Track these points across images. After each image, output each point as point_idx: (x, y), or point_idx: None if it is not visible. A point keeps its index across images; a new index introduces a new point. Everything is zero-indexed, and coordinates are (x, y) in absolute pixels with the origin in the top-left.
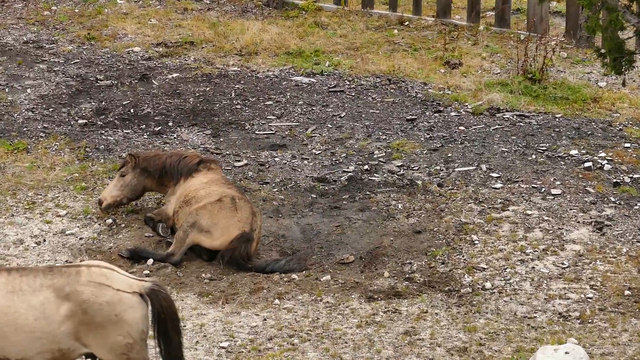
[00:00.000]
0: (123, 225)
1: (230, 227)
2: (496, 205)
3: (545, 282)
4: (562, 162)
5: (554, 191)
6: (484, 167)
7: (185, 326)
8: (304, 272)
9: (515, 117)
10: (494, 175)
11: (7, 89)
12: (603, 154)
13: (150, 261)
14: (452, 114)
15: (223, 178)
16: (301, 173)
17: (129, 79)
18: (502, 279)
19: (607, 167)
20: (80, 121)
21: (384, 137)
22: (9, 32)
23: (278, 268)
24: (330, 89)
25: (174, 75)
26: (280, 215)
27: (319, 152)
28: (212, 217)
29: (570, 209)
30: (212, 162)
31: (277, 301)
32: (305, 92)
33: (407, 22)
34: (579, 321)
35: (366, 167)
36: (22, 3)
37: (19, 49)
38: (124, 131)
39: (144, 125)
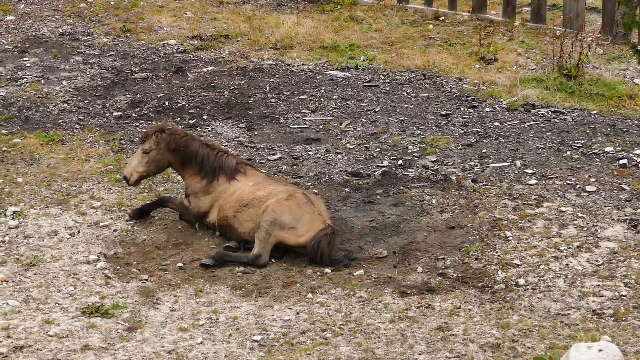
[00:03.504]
0: (157, 217)
1: (315, 221)
2: (530, 201)
3: (579, 279)
4: (597, 159)
5: (588, 188)
6: (518, 163)
7: (218, 319)
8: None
9: (550, 113)
10: (529, 171)
11: (42, 81)
12: (638, 151)
13: (187, 257)
14: (487, 109)
15: (268, 177)
16: (335, 167)
17: (164, 71)
18: (536, 275)
19: None
20: (115, 113)
21: (418, 132)
22: (45, 24)
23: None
24: (365, 84)
25: (209, 68)
26: None
27: (353, 146)
28: (292, 213)
29: (605, 206)
30: (245, 162)
31: (310, 295)
32: (340, 87)
33: (443, 17)
34: (612, 319)
35: (400, 162)
36: None
37: (55, 40)
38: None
39: (179, 118)
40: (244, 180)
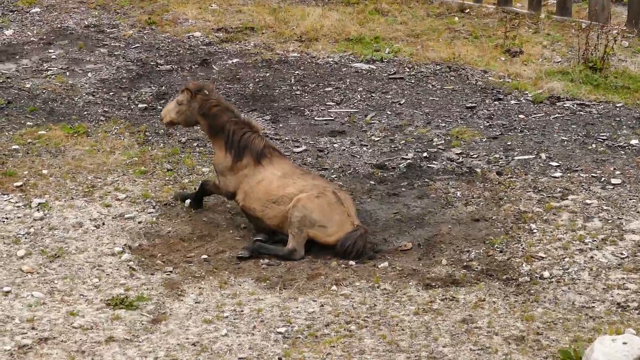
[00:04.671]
0: (182, 209)
1: (345, 222)
2: (555, 194)
3: (603, 272)
4: (623, 152)
5: (613, 181)
6: (543, 155)
7: (242, 311)
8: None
9: (575, 105)
10: (554, 164)
11: (68, 73)
12: None
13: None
14: (512, 102)
15: (296, 167)
16: (360, 160)
17: (189, 63)
18: (561, 268)
19: None
20: (140, 105)
21: (443, 124)
22: (71, 16)
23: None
24: (390, 76)
25: (234, 60)
26: None
27: (378, 139)
28: (322, 211)
29: (630, 199)
30: (272, 147)
31: (334, 287)
32: (365, 79)
33: (468, 10)
34: (637, 311)
35: (425, 154)
36: None
37: (80, 33)
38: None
39: None
40: (271, 169)
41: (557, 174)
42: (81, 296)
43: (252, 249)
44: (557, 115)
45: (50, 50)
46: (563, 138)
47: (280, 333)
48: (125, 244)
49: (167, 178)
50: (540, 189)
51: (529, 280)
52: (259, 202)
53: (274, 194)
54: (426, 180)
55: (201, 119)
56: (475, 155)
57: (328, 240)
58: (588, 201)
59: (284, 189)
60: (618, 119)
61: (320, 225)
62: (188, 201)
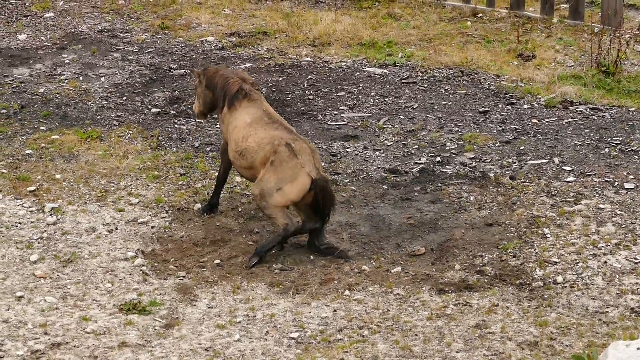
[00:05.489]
0: (195, 214)
1: (298, 175)
2: (568, 198)
3: (617, 276)
4: (636, 156)
5: (627, 185)
6: (556, 160)
7: (255, 316)
8: (373, 262)
9: (588, 110)
10: (567, 168)
11: (81, 78)
12: None
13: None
14: (525, 106)
15: (265, 112)
16: (373, 164)
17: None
18: (574, 273)
19: None
20: (153, 110)
21: (456, 129)
22: (84, 20)
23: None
24: (403, 81)
25: (247, 65)
26: (351, 206)
27: (391, 143)
28: (275, 174)
29: None
30: (252, 89)
31: (347, 292)
32: (378, 83)
33: (481, 14)
34: None
35: (438, 158)
36: None
37: (94, 37)
38: (197, 120)
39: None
40: (242, 114)
41: (570, 179)
42: (94, 301)
43: (257, 254)
44: (570, 119)
45: (63, 55)
46: (576, 142)
47: (293, 338)
48: (138, 249)
49: (180, 183)
50: (553, 193)
51: (542, 285)
52: (232, 152)
53: (240, 145)
54: (439, 184)
55: (210, 93)
56: (488, 160)
57: (291, 198)
58: (601, 206)
59: (246, 141)
60: (631, 123)
61: (278, 189)
62: (199, 206)
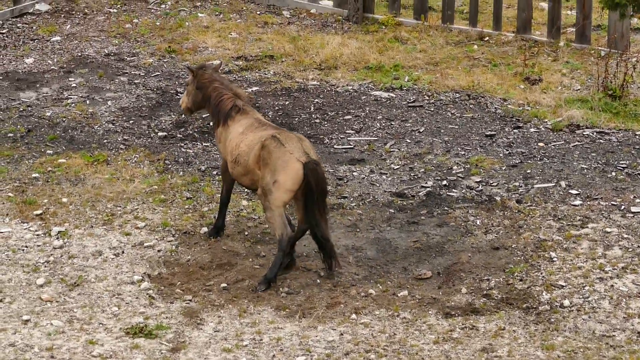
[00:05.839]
0: (201, 238)
1: (288, 162)
2: (575, 222)
3: (624, 300)
4: None
5: (634, 209)
6: (563, 183)
7: (261, 340)
8: (379, 286)
9: (595, 133)
10: (573, 192)
11: (88, 101)
12: None
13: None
14: (532, 130)
15: (256, 120)
16: (379, 188)
17: None
18: (581, 296)
19: None
20: (160, 134)
21: (462, 152)
22: (91, 44)
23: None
24: (410, 104)
25: (254, 88)
26: (358, 230)
27: (398, 167)
28: (267, 167)
29: None
30: (245, 105)
31: (354, 316)
32: (384, 107)
33: (487, 38)
34: None
35: (444, 182)
36: (104, 16)
37: (101, 61)
38: (203, 144)
39: None
40: (235, 127)
41: (577, 202)
42: (100, 325)
43: (266, 281)
44: (576, 143)
45: (70, 79)
46: (583, 166)
47: None
48: (144, 273)
49: (186, 206)
50: (560, 217)
51: (549, 308)
52: (230, 164)
53: (234, 153)
54: (446, 208)
55: (199, 94)
56: (495, 184)
57: (288, 187)
58: (608, 229)
59: (239, 147)
60: (638, 147)
61: (274, 182)
62: (205, 229)
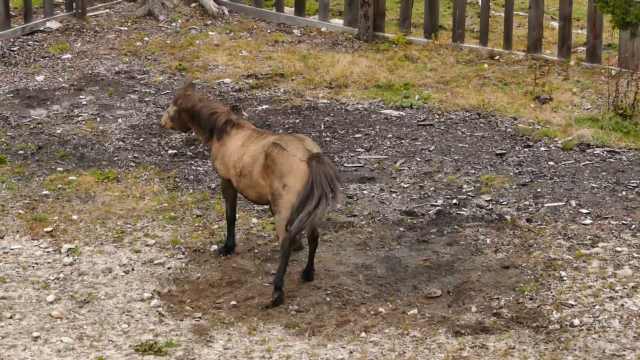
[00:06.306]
0: (211, 255)
1: (293, 163)
2: (585, 241)
3: (634, 319)
4: None
5: None
6: (573, 202)
7: (271, 358)
8: (389, 304)
9: (605, 153)
10: (584, 211)
11: (98, 119)
12: None
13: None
14: (542, 149)
15: (254, 131)
16: (389, 206)
17: None
18: (591, 316)
19: None
20: (170, 151)
21: (472, 171)
22: (102, 62)
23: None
24: (420, 123)
25: (264, 106)
26: (367, 248)
27: (408, 185)
28: (275, 174)
29: None
30: (239, 118)
31: (363, 334)
32: (395, 125)
33: (498, 57)
34: None
35: (455, 201)
36: (114, 34)
37: (111, 79)
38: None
39: None
40: (233, 141)
41: (587, 221)
42: (110, 342)
43: (276, 287)
44: (587, 162)
45: (80, 96)
46: (593, 185)
47: None
48: (154, 290)
49: (196, 224)
50: (570, 236)
51: (559, 327)
52: (234, 178)
53: (237, 167)
54: (456, 227)
55: (185, 116)
56: (505, 202)
57: (298, 188)
58: (618, 249)
59: (242, 160)
60: None
61: (284, 187)
62: (215, 247)
